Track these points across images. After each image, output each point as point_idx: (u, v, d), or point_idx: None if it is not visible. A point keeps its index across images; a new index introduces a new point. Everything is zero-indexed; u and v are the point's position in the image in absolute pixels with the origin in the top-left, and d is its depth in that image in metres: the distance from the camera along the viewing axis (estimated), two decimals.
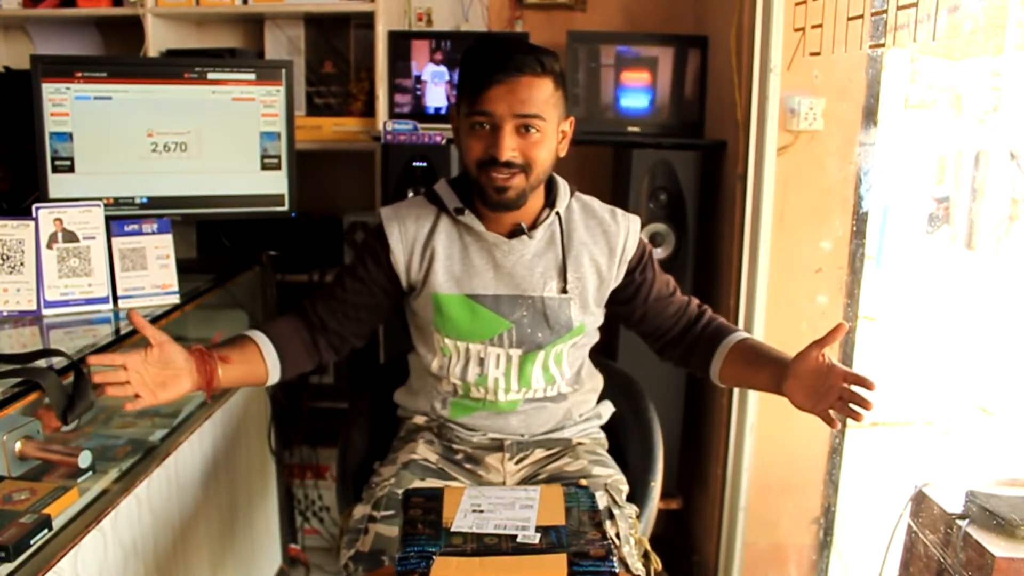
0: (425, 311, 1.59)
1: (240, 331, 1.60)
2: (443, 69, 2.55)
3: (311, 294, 1.67)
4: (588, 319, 1.61)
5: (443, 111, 2.56)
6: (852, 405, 1.35)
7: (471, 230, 1.55)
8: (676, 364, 1.71)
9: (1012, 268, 2.93)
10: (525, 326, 1.56)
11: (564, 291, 1.56)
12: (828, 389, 1.38)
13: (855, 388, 1.35)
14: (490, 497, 1.25)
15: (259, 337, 1.57)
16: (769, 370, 1.50)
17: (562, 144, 1.53)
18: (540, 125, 1.43)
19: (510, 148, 1.42)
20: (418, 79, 2.56)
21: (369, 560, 1.43)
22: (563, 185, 1.60)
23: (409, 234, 1.56)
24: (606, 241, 1.59)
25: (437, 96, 2.57)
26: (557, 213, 1.57)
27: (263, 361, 1.56)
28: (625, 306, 1.66)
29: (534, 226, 1.55)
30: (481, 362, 1.59)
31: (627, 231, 1.60)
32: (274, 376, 1.58)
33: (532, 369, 1.60)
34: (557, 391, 1.65)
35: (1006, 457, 2.41)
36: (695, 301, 1.69)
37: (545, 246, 1.57)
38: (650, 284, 1.64)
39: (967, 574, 1.71)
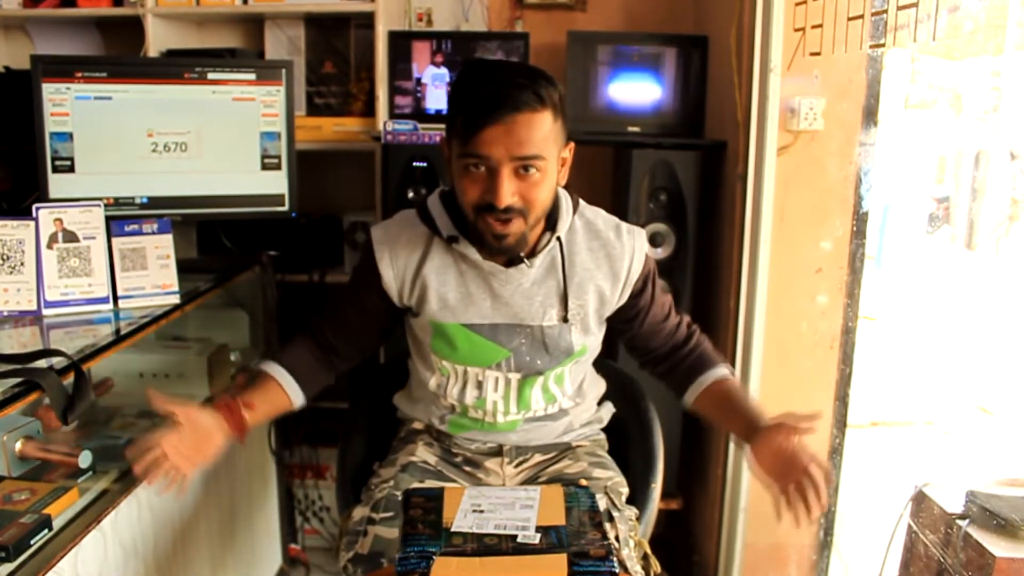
0: (423, 334, 1.56)
1: (246, 349, 1.59)
2: (443, 71, 2.55)
3: (318, 313, 1.64)
4: (589, 340, 1.58)
5: (444, 112, 2.56)
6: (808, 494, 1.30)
7: (466, 258, 1.48)
8: (653, 376, 1.69)
9: (1012, 268, 2.93)
10: (524, 354, 1.53)
11: (565, 319, 1.51)
12: (792, 468, 1.33)
13: (814, 477, 1.30)
14: (490, 497, 1.25)
15: (276, 370, 1.56)
16: (741, 423, 1.47)
17: (562, 172, 1.44)
18: (540, 165, 1.33)
19: (509, 194, 1.32)
20: (418, 81, 2.56)
21: (368, 562, 1.43)
22: (565, 202, 1.51)
23: (400, 262, 1.50)
24: (610, 265, 1.52)
25: (438, 98, 2.57)
26: (558, 238, 1.49)
27: (284, 393, 1.56)
28: (621, 323, 1.62)
29: (533, 253, 1.48)
30: (479, 385, 1.56)
31: (632, 251, 1.53)
32: (298, 402, 1.58)
33: (531, 392, 1.57)
34: (558, 408, 1.63)
35: (1006, 457, 2.42)
36: (686, 321, 1.64)
37: (545, 273, 1.50)
38: (647, 310, 1.59)
39: (967, 574, 1.71)
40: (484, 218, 1.36)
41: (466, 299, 1.49)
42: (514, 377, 1.55)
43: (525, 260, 1.47)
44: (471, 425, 1.63)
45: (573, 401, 1.66)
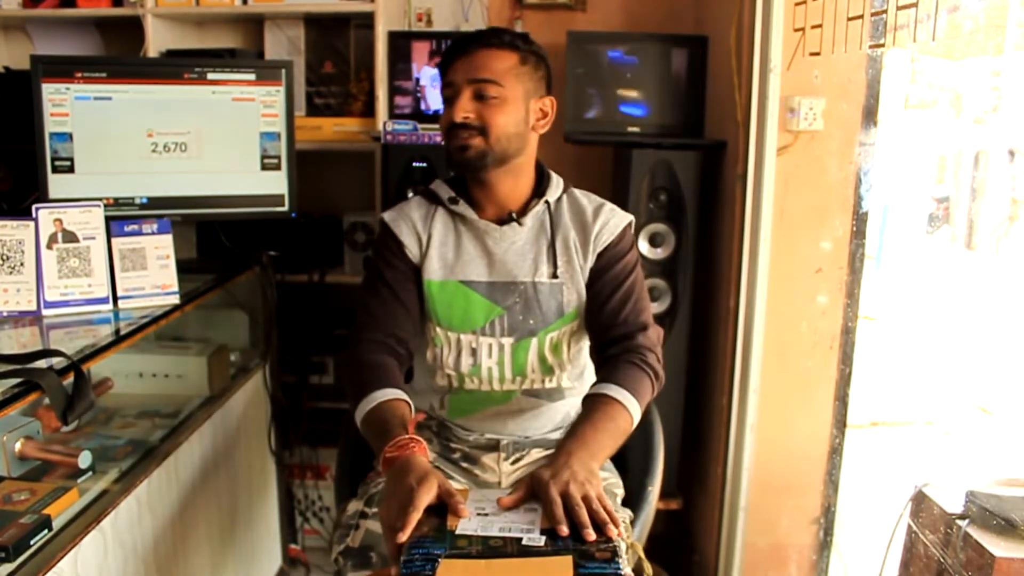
0: (421, 297, 1.60)
1: (246, 350, 1.53)
2: (433, 72, 2.55)
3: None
4: (581, 304, 1.60)
5: (441, 111, 2.56)
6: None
7: (464, 219, 1.59)
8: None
9: (1012, 268, 2.93)
10: (517, 312, 1.58)
11: (555, 275, 1.58)
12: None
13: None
14: (494, 500, 1.25)
15: (397, 393, 1.45)
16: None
17: (542, 122, 1.57)
18: (496, 91, 1.49)
19: (463, 110, 1.49)
20: (418, 81, 2.56)
21: (358, 555, 1.44)
22: (556, 179, 1.63)
23: (417, 226, 1.60)
24: (583, 230, 1.60)
25: (436, 98, 2.57)
26: (547, 202, 1.60)
27: (412, 413, 1.47)
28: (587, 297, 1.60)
29: (524, 213, 1.59)
30: (473, 352, 1.59)
31: (605, 223, 1.59)
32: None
33: (526, 357, 1.60)
34: (557, 383, 1.65)
35: (1006, 457, 2.41)
36: (646, 335, 1.55)
37: (536, 234, 1.59)
38: (607, 292, 1.57)
39: (967, 574, 1.71)
40: (450, 137, 1.53)
41: (464, 257, 1.59)
42: (507, 342, 1.59)
43: (516, 218, 1.58)
44: (469, 402, 1.64)
45: (572, 383, 1.66)
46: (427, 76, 2.56)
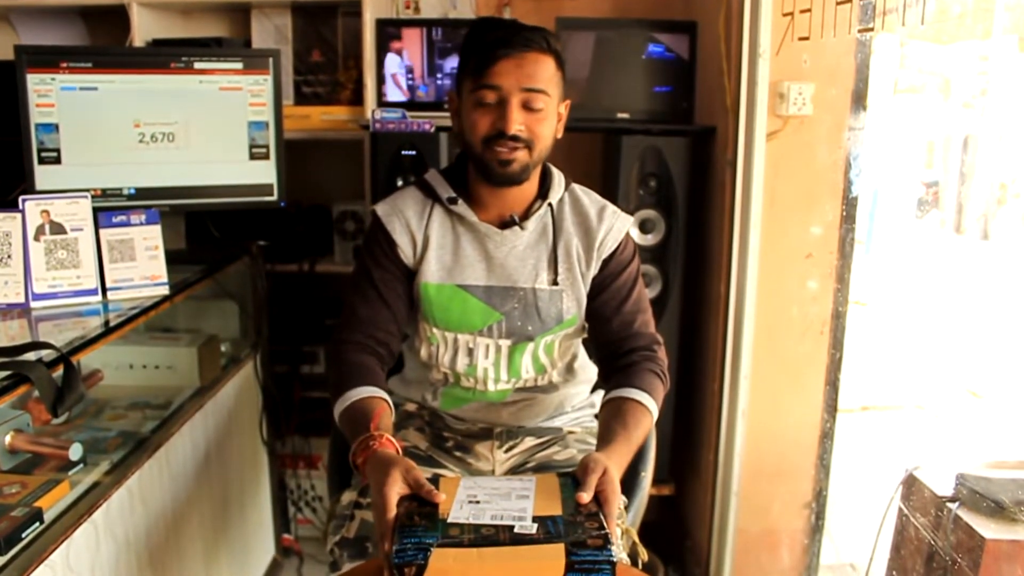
0: (417, 298, 1.57)
1: (236, 340, 1.52)
2: (398, 59, 2.53)
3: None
4: (580, 310, 1.59)
5: (405, 100, 2.54)
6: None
7: (463, 220, 1.54)
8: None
9: (1001, 252, 2.94)
10: (516, 318, 1.55)
11: (555, 283, 1.55)
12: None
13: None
14: (486, 488, 1.25)
15: (368, 391, 1.44)
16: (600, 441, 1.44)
17: (559, 125, 1.53)
18: (545, 101, 1.44)
19: (517, 121, 1.42)
20: (409, 69, 2.55)
21: (354, 546, 1.44)
22: (558, 176, 1.59)
23: (409, 225, 1.55)
24: (587, 236, 1.57)
25: (395, 90, 2.55)
26: (550, 204, 1.56)
27: (390, 409, 1.46)
28: (591, 303, 1.60)
29: (526, 217, 1.55)
30: (470, 352, 1.58)
31: (609, 228, 1.57)
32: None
33: (522, 359, 1.59)
34: (548, 380, 1.65)
35: (996, 440, 2.43)
36: (652, 339, 1.58)
37: (537, 238, 1.56)
38: (616, 301, 1.57)
39: (957, 556, 1.72)
40: (492, 147, 1.44)
41: (462, 260, 1.54)
42: (504, 344, 1.57)
43: (518, 222, 1.53)
44: (463, 396, 1.63)
45: (563, 377, 1.66)
46: (393, 64, 2.53)
